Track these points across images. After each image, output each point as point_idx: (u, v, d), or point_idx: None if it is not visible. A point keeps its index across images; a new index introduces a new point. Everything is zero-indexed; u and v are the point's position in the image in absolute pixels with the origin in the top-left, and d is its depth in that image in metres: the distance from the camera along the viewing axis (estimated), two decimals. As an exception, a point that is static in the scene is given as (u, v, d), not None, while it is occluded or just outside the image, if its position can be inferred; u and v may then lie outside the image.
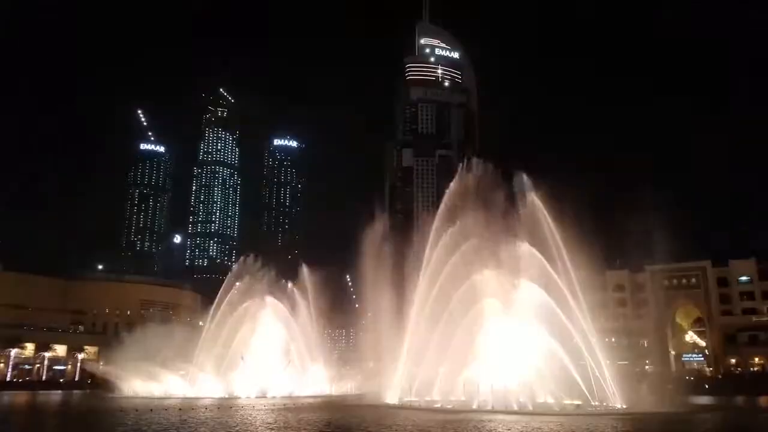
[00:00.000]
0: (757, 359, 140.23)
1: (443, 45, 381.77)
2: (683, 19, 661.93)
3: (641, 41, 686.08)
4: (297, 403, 78.24)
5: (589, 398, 65.17)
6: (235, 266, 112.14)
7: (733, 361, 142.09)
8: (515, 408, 62.97)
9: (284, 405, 73.21)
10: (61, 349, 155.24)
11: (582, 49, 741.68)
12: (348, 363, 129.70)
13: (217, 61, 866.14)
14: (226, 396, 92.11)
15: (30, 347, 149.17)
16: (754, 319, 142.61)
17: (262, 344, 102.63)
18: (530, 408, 62.45)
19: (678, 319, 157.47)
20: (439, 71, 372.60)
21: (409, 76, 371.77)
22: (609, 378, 65.94)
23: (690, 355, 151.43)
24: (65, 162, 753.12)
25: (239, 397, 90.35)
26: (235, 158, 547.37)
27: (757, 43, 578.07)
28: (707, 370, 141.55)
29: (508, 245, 69.59)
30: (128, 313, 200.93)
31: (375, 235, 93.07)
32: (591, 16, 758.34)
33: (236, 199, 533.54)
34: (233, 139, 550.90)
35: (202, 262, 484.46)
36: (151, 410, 61.31)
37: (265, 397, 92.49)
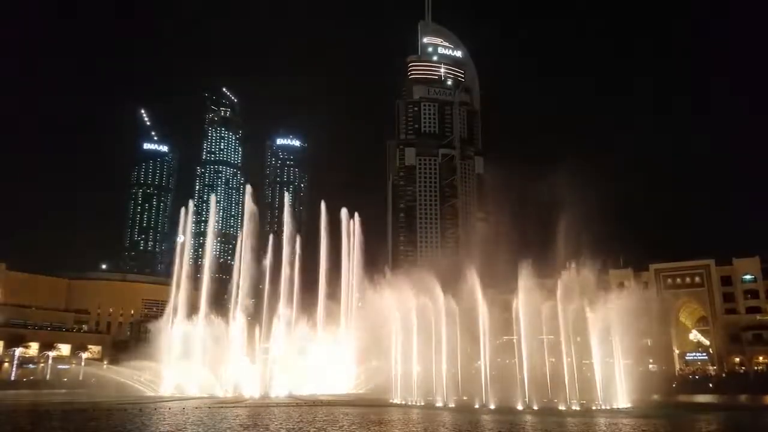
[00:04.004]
0: (761, 358, 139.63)
1: (446, 44, 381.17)
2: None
3: (646, 38, 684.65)
4: (298, 403, 78.23)
5: (597, 398, 65.01)
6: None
7: (737, 359, 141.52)
8: (519, 408, 62.93)
9: (287, 405, 73.25)
10: (65, 349, 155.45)
11: (583, 47, 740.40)
12: (350, 362, 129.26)
13: (220, 60, 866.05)
14: (229, 395, 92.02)
15: (34, 346, 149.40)
16: (759, 317, 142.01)
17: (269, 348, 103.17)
18: (534, 408, 62.38)
19: (682, 318, 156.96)
20: (442, 70, 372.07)
21: (411, 74, 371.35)
22: (615, 378, 65.89)
23: (694, 354, 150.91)
24: (68, 162, 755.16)
25: (244, 397, 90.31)
26: (237, 157, 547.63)
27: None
28: (711, 368, 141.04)
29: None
30: (132, 312, 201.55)
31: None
32: (593, 12, 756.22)
33: (239, 198, 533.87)
34: (236, 139, 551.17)
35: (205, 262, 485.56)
36: (155, 409, 61.45)
37: (269, 396, 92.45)
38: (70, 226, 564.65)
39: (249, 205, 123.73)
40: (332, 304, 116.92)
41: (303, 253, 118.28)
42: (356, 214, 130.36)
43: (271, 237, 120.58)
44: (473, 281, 71.40)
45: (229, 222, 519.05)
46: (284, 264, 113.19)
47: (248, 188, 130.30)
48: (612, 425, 48.17)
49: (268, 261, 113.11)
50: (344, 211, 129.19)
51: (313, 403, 74.96)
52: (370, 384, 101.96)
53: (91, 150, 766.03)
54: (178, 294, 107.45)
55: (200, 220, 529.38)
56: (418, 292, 78.08)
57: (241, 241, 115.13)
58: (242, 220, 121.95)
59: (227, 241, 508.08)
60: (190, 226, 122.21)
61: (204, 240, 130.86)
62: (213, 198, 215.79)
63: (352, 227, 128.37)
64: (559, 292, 68.13)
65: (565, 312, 66.83)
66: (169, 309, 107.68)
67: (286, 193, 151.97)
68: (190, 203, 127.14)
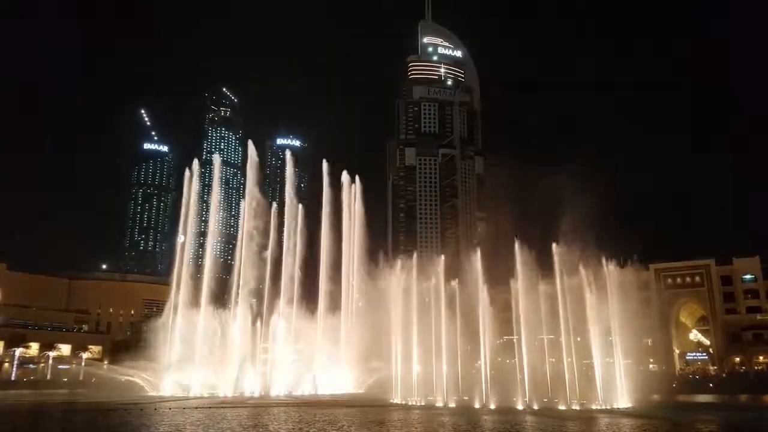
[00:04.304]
0: (761, 358, 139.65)
1: (446, 44, 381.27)
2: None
3: (645, 38, 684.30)
4: (299, 402, 78.25)
5: (597, 398, 65.05)
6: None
7: (737, 359, 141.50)
8: (519, 408, 62.93)
9: (287, 404, 73.27)
10: (65, 349, 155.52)
11: (584, 47, 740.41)
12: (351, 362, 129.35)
13: (220, 60, 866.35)
14: (230, 395, 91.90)
15: (35, 346, 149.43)
16: (759, 317, 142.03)
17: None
18: (535, 408, 62.39)
19: (682, 318, 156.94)
20: (442, 70, 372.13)
21: (411, 74, 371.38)
22: (615, 377, 65.94)
23: (694, 354, 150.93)
24: (69, 162, 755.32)
25: (245, 396, 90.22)
26: (238, 157, 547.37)
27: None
28: (712, 368, 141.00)
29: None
30: (132, 312, 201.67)
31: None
32: (593, 12, 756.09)
33: (239, 198, 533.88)
34: (236, 138, 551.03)
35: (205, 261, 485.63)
36: (155, 410, 61.47)
37: (269, 396, 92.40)
38: (70, 226, 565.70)
39: (252, 152, 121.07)
40: (334, 288, 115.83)
41: (304, 243, 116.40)
42: (357, 178, 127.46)
43: (273, 205, 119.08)
44: (475, 272, 71.38)
45: (230, 222, 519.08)
46: (285, 254, 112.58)
47: (250, 143, 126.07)
48: (613, 425, 48.20)
49: (270, 239, 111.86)
50: (345, 175, 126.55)
51: (314, 403, 75.03)
52: (370, 383, 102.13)
53: (91, 150, 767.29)
54: (179, 293, 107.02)
55: (201, 220, 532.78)
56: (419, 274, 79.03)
57: (244, 209, 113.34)
58: (243, 220, 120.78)
59: (228, 241, 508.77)
60: (195, 185, 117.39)
61: (204, 240, 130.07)
62: (217, 157, 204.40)
63: (353, 192, 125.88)
64: (556, 258, 68.39)
65: (563, 285, 67.30)
66: (169, 308, 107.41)
67: (288, 152, 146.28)
68: (195, 163, 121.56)
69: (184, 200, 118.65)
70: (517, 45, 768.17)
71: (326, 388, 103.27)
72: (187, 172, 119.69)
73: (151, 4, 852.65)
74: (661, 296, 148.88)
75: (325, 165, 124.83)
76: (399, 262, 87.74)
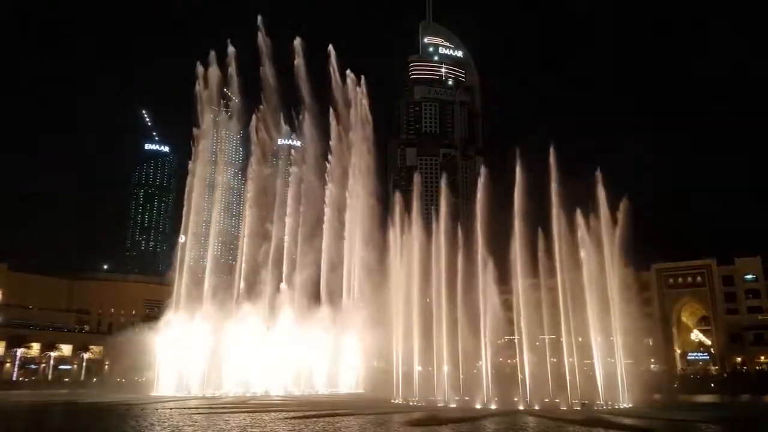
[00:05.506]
0: (762, 358, 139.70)
1: (446, 44, 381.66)
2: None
3: (642, 33, 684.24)
4: (300, 402, 78.20)
5: (599, 397, 64.99)
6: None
7: (738, 359, 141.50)
8: (520, 408, 62.84)
9: (287, 404, 73.24)
10: (66, 349, 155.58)
11: (585, 47, 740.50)
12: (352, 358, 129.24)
13: (219, 60, 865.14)
14: (230, 395, 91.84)
15: (36, 347, 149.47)
16: (760, 317, 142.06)
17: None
18: (536, 408, 62.31)
19: (683, 318, 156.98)
20: (443, 70, 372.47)
21: (412, 75, 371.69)
22: (617, 377, 65.90)
23: (695, 354, 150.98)
24: (70, 162, 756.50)
25: (245, 396, 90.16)
26: (238, 158, 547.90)
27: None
28: (713, 368, 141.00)
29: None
30: (133, 312, 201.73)
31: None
32: (594, 12, 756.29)
33: (239, 199, 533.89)
34: (237, 139, 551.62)
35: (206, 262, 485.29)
36: (156, 410, 61.50)
37: (270, 396, 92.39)
38: (70, 226, 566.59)
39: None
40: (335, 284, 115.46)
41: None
42: (362, 78, 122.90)
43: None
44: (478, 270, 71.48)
45: (231, 222, 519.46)
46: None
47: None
48: (614, 425, 48.16)
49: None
50: (350, 75, 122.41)
51: (315, 403, 75.00)
52: (371, 366, 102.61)
53: (92, 150, 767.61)
54: (180, 293, 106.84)
55: (201, 220, 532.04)
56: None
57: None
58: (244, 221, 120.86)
59: (229, 241, 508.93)
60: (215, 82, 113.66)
61: (206, 240, 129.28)
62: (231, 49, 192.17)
63: (360, 93, 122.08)
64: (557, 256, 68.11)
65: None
66: (169, 308, 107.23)
67: (296, 40, 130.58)
68: (212, 55, 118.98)
69: (180, 240, 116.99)
70: (518, 45, 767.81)
71: (327, 387, 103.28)
72: (199, 66, 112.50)
73: (151, 3, 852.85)
74: (662, 296, 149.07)
75: (331, 49, 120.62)
76: (397, 194, 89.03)
